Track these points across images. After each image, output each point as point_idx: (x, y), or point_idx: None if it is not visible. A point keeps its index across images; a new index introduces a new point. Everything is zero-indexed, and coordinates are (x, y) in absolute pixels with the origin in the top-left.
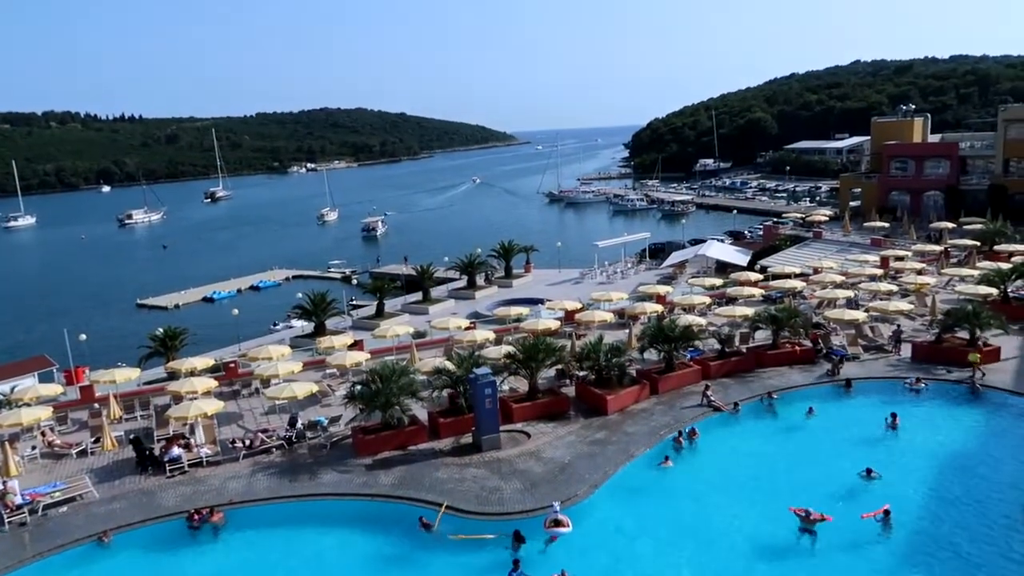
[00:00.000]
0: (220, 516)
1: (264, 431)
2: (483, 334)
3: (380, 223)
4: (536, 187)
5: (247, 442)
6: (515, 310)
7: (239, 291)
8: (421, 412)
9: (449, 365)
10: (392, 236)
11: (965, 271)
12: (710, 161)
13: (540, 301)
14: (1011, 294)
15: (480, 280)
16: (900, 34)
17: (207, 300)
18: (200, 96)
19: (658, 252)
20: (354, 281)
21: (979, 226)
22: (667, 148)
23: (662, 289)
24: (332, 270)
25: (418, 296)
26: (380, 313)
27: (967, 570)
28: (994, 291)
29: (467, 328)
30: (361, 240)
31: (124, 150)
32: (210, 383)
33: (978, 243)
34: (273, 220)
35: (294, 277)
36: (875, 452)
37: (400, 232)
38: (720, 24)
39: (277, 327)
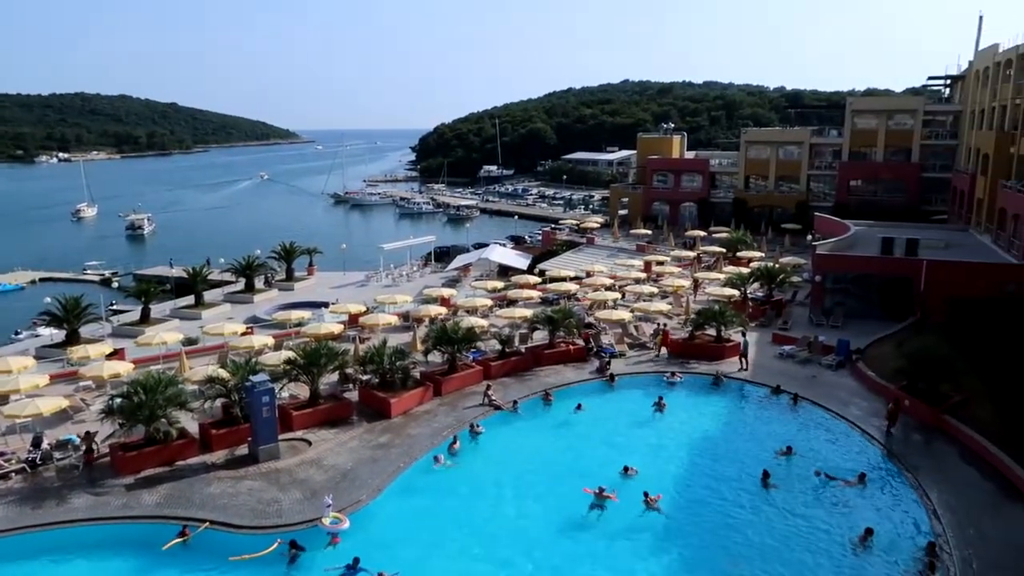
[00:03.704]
0: None
1: (0, 454)
2: (261, 339)
3: (147, 221)
4: (321, 187)
5: None
6: (296, 314)
7: None
8: (192, 424)
9: (223, 373)
10: (162, 235)
11: (713, 275)
12: (494, 168)
13: (323, 304)
14: (749, 295)
15: (259, 283)
16: (662, 58)
17: None
18: None
19: (443, 255)
20: (115, 284)
21: (725, 235)
22: (453, 153)
23: (446, 292)
24: (89, 272)
25: (190, 300)
26: (145, 319)
27: (717, 532)
28: (736, 293)
29: (244, 333)
30: (125, 239)
31: None
32: None
33: (724, 250)
34: (16, 215)
35: (42, 280)
36: (638, 440)
37: (171, 231)
38: (504, 35)
39: (20, 336)
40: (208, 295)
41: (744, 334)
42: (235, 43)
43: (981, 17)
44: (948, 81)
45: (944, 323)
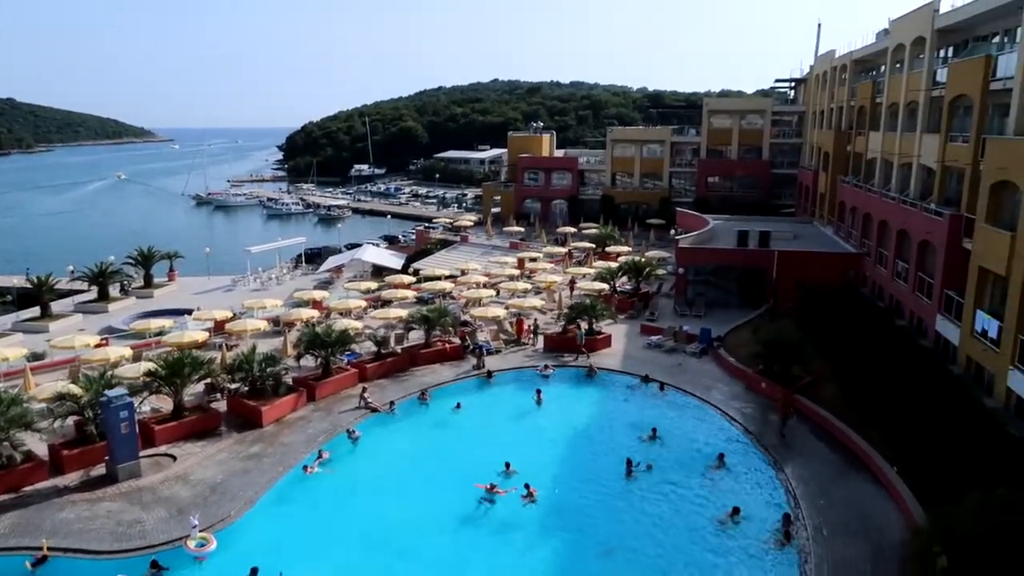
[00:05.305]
0: None
1: None
2: (118, 351)
3: None
4: (181, 188)
5: None
6: (156, 322)
7: None
8: (40, 446)
9: (75, 389)
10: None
11: (584, 270)
12: (365, 167)
13: (186, 311)
14: (618, 289)
15: (114, 291)
16: (531, 58)
17: None
18: None
19: (315, 257)
20: None
21: (594, 230)
22: (322, 152)
23: (318, 294)
24: None
25: (35, 312)
26: None
27: (593, 519)
28: (606, 287)
29: (98, 345)
30: None
31: None
32: None
33: (594, 245)
34: None
35: None
36: (517, 434)
37: (10, 237)
38: (372, 32)
39: None
40: (56, 306)
41: (579, 326)
42: (81, 34)
43: (820, 25)
44: (792, 84)
45: (795, 309)
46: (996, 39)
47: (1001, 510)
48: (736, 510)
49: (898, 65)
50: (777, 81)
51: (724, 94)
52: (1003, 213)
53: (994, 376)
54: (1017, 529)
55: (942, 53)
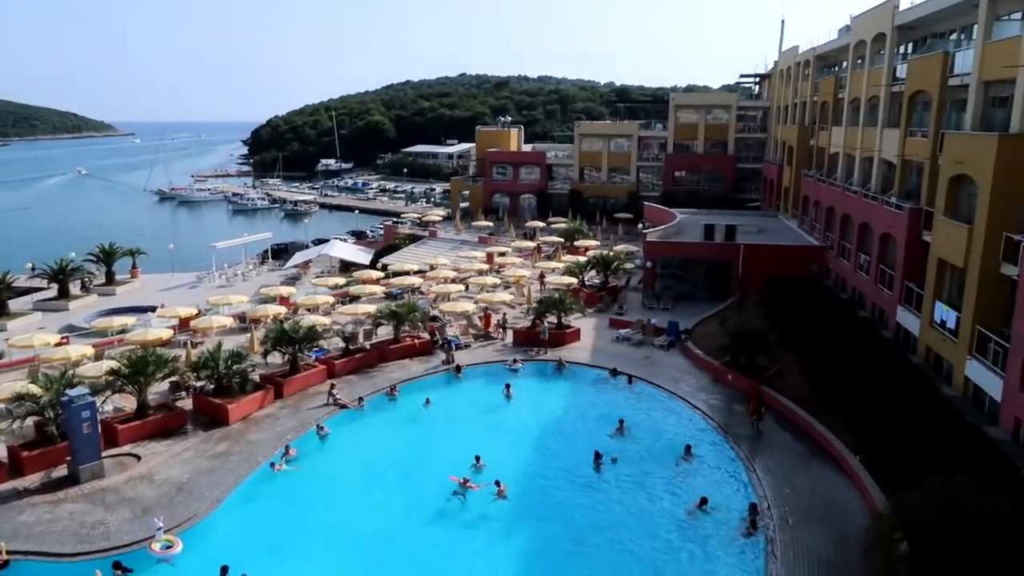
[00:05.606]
0: None
1: None
2: (79, 350)
3: None
4: (143, 183)
5: None
6: (119, 320)
7: None
8: None
9: (34, 389)
10: None
11: (553, 264)
12: (332, 161)
13: (150, 309)
14: (587, 283)
15: (75, 289)
16: (498, 53)
17: None
18: None
19: (281, 252)
20: None
21: (563, 225)
22: (288, 146)
23: (285, 290)
24: None
25: None
26: None
27: (564, 513)
28: (574, 281)
29: (58, 344)
30: None
31: None
32: None
33: (562, 239)
34: None
35: None
36: (487, 429)
37: None
38: (342, 25)
39: None
40: (15, 304)
41: (543, 321)
42: (38, 25)
43: (783, 21)
44: (757, 79)
45: (761, 301)
46: (954, 36)
47: (958, 496)
48: (704, 500)
49: (859, 61)
50: (742, 76)
51: (690, 89)
52: (961, 206)
53: (952, 366)
54: (973, 515)
55: (902, 49)
